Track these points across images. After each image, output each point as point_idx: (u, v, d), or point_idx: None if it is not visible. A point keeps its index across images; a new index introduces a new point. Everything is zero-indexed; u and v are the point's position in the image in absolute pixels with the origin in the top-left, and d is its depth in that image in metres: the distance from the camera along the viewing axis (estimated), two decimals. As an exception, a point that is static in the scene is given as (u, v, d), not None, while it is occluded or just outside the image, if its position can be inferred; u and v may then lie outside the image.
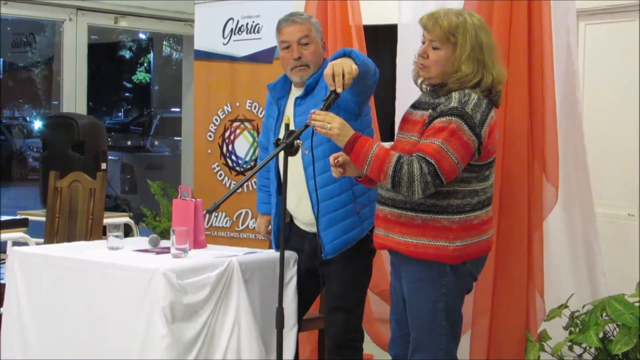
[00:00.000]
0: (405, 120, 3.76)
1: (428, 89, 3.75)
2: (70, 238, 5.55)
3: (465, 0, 4.54)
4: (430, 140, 3.49)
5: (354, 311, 4.22)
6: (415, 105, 3.77)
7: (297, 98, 4.22)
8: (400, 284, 3.73)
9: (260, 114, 6.28)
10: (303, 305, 4.31)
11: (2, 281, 4.96)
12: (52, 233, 5.72)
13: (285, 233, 3.68)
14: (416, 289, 3.65)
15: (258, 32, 6.29)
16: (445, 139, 3.47)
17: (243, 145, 6.37)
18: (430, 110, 3.60)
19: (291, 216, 4.33)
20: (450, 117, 3.50)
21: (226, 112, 6.49)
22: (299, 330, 4.30)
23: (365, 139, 3.54)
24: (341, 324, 4.19)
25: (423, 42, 3.67)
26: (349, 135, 3.53)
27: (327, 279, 4.22)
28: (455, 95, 3.55)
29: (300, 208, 4.24)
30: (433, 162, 3.45)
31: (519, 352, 4.33)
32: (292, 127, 3.92)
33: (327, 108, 3.62)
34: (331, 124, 3.51)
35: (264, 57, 6.22)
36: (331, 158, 3.70)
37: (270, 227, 4.53)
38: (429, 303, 3.63)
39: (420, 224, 3.58)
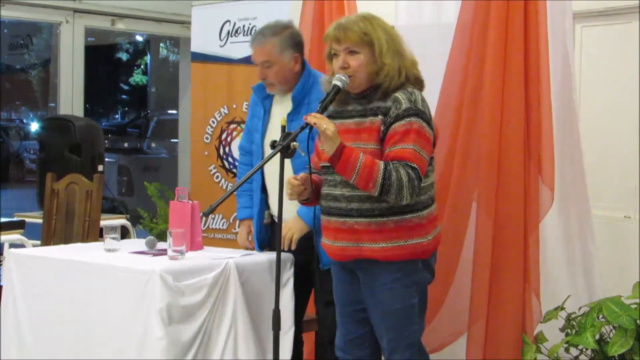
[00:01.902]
0: (345, 131, 3.70)
1: (351, 95, 3.76)
2: (67, 240, 5.55)
3: (462, 0, 4.55)
4: (401, 145, 3.57)
5: None
6: (345, 115, 3.76)
7: (288, 114, 4.25)
8: (369, 288, 3.75)
9: (257, 116, 6.28)
10: (299, 304, 4.33)
11: (-1, 283, 4.96)
12: (49, 235, 5.71)
13: (280, 235, 3.69)
14: (390, 290, 3.70)
15: (255, 34, 6.29)
16: (414, 141, 3.57)
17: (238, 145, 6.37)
18: (380, 116, 3.64)
19: (271, 217, 4.42)
20: (409, 119, 3.59)
21: (223, 114, 6.50)
22: (302, 330, 4.36)
23: (350, 148, 3.57)
24: (333, 319, 4.20)
25: (335, 54, 3.72)
26: (338, 143, 3.55)
27: (320, 275, 4.24)
28: (401, 96, 3.63)
29: (292, 208, 4.27)
30: (416, 167, 3.55)
31: (515, 354, 4.33)
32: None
33: (323, 109, 3.64)
34: (327, 126, 3.52)
35: (260, 59, 6.22)
36: (291, 178, 3.73)
37: (251, 234, 4.55)
38: (404, 302, 3.72)
39: (393, 227, 3.65)
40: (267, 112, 4.41)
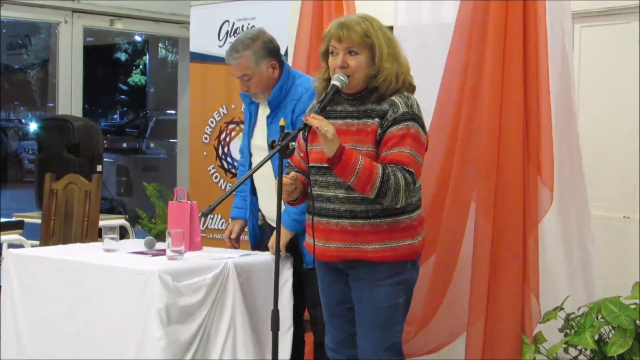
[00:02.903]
0: (341, 132, 3.71)
1: (342, 95, 3.75)
2: (65, 240, 5.54)
3: (460, 0, 4.55)
4: (398, 149, 3.59)
5: None
6: (333, 115, 3.75)
7: (267, 117, 4.38)
8: (359, 287, 3.76)
9: (256, 116, 6.29)
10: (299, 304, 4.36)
11: (-2, 283, 4.96)
12: (47, 235, 5.71)
13: (279, 236, 3.70)
14: (380, 288, 3.71)
15: (254, 34, 6.28)
16: (411, 145, 3.60)
17: (238, 148, 6.37)
18: (377, 119, 3.65)
19: (263, 217, 4.47)
20: (407, 123, 3.62)
21: (222, 114, 6.49)
22: (304, 330, 4.41)
23: (350, 150, 3.57)
24: (322, 319, 4.22)
25: (332, 53, 3.70)
26: (337, 145, 3.54)
27: (309, 274, 4.29)
28: (399, 100, 3.65)
29: (275, 209, 4.31)
30: (412, 170, 3.58)
31: (514, 354, 4.33)
32: (264, 148, 4.22)
33: (322, 109, 3.64)
34: (327, 128, 3.52)
35: (259, 59, 6.22)
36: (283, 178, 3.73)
37: (234, 234, 4.58)
38: (391, 301, 3.73)
39: (386, 228, 3.68)
40: (253, 116, 4.51)
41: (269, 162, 3.68)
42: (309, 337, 4.65)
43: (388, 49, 3.68)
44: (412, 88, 3.78)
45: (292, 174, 3.75)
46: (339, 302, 3.88)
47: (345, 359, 3.91)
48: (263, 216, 4.49)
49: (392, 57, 3.69)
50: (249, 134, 4.52)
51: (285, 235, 4.24)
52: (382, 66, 3.66)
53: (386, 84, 3.66)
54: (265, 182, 4.31)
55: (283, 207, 4.16)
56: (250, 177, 4.45)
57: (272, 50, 4.36)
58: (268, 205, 4.39)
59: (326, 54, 3.75)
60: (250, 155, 4.51)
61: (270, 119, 4.35)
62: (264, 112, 4.43)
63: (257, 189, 4.47)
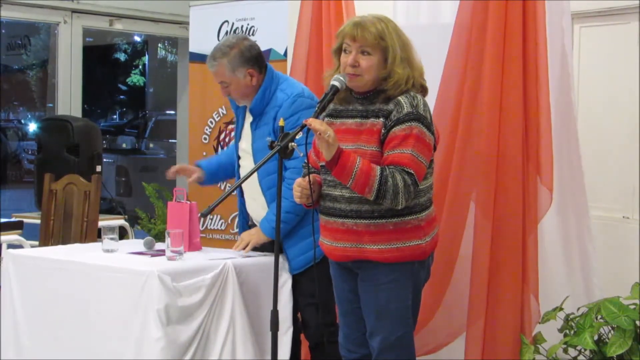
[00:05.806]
0: (346, 131, 3.74)
1: (353, 95, 3.77)
2: (65, 240, 5.55)
3: (460, 0, 4.55)
4: (400, 150, 3.58)
5: (327, 306, 4.23)
6: (345, 114, 3.77)
7: (251, 123, 4.39)
8: (366, 287, 3.76)
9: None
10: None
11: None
12: (47, 235, 5.71)
13: (279, 237, 3.70)
14: (387, 290, 3.70)
15: (253, 34, 6.30)
16: (413, 146, 3.57)
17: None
18: (382, 119, 3.64)
19: (250, 219, 4.49)
20: (410, 123, 3.59)
21: (221, 115, 6.49)
22: (299, 332, 4.40)
23: (348, 152, 3.56)
24: (316, 320, 4.23)
25: (345, 51, 3.71)
26: (336, 148, 3.54)
27: (297, 277, 4.31)
28: (404, 100, 3.64)
29: (263, 213, 4.36)
30: (413, 172, 3.56)
31: (513, 355, 4.33)
32: (250, 152, 4.26)
33: (322, 110, 3.64)
34: (329, 132, 3.51)
35: (258, 59, 6.22)
36: (300, 180, 3.75)
37: (172, 171, 4.65)
38: (399, 302, 3.72)
39: (392, 229, 3.66)
40: (240, 119, 4.52)
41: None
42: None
43: (402, 53, 3.67)
44: (423, 89, 3.77)
45: (306, 178, 3.72)
46: (350, 301, 3.87)
47: (358, 357, 3.90)
48: (250, 218, 4.49)
49: (405, 61, 3.68)
50: (237, 138, 4.53)
51: (260, 239, 4.30)
52: (393, 70, 3.65)
53: (395, 87, 3.66)
54: (251, 186, 4.34)
55: (266, 208, 4.28)
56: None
57: (249, 59, 4.33)
58: (255, 209, 4.41)
59: (338, 51, 3.75)
60: (239, 158, 4.50)
61: (254, 125, 4.36)
62: (248, 117, 4.44)
63: (245, 192, 4.47)
